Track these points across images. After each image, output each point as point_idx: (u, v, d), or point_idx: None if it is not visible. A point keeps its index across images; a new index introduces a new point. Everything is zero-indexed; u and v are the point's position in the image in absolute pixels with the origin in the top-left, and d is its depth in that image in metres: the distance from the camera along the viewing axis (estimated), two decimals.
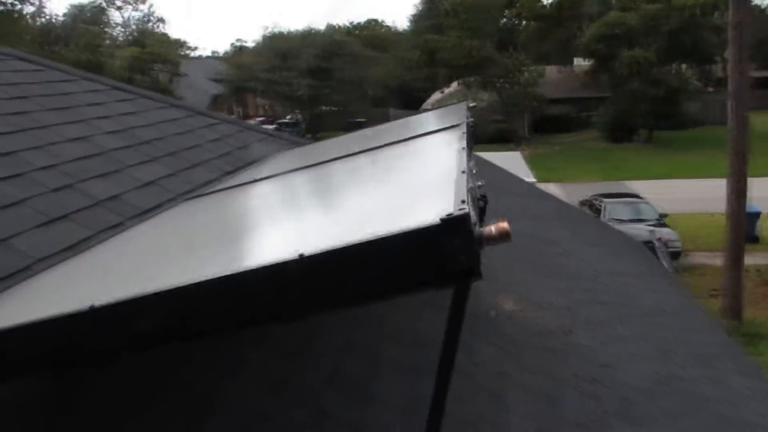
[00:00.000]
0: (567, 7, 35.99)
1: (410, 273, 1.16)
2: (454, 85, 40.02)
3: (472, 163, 1.91)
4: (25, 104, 3.67)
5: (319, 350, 2.80)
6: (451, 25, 36.53)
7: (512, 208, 8.20)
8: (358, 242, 1.17)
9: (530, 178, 15.68)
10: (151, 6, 69.28)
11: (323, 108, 46.16)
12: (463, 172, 1.51)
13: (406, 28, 55.56)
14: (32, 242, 2.41)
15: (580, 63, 39.54)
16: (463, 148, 1.99)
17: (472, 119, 4.01)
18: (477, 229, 1.14)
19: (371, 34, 52.42)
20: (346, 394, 2.61)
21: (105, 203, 2.95)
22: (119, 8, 44.22)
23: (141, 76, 35.22)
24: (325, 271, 1.19)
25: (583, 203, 19.61)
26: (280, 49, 45.40)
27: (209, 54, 53.31)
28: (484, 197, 1.87)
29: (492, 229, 1.17)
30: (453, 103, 4.06)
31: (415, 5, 51.94)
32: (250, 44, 56.40)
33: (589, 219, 10.82)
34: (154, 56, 38.28)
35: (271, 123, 41.57)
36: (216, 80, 48.16)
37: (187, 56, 44.55)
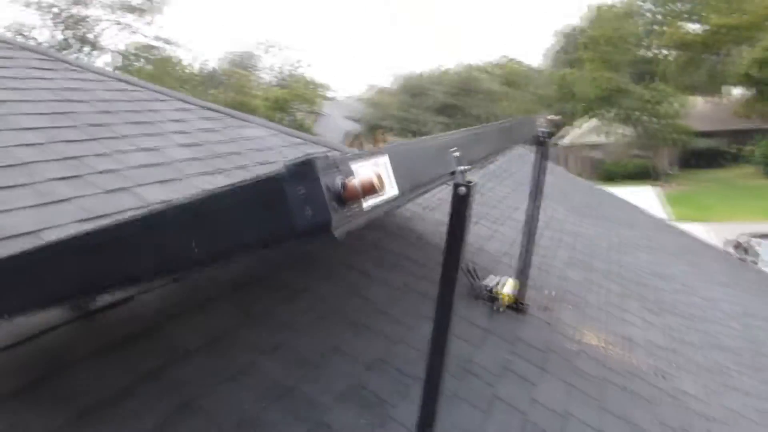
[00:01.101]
0: (722, 33, 33.19)
1: (264, 225, 1.01)
2: (590, 119, 38.38)
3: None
4: (108, 118, 3.93)
5: (339, 365, 2.62)
6: (586, 59, 35.23)
7: (628, 240, 7.51)
8: (208, 194, 1.04)
9: (662, 215, 14.41)
10: (297, 52, 74.39)
11: None
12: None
13: (540, 64, 54.65)
14: (62, 234, 2.49)
15: (732, 92, 36.21)
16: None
17: (544, 129, 3.70)
18: (335, 181, 0.96)
19: (504, 71, 52.00)
20: (359, 412, 2.39)
21: (153, 205, 3.01)
22: (269, 53, 47.73)
23: (282, 115, 37.66)
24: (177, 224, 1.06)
25: (731, 243, 17.67)
26: (413, 87, 46.38)
27: (347, 96, 55.81)
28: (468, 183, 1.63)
29: (355, 181, 0.96)
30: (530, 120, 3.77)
31: (552, 40, 50.75)
32: (385, 86, 58.40)
33: (723, 257, 9.63)
34: (297, 97, 40.77)
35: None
36: (351, 119, 50.17)
37: (327, 97, 46.94)
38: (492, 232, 5.34)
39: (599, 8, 37.70)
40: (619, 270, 6.12)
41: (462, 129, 2.02)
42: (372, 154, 1.20)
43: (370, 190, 0.99)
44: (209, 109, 4.95)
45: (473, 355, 3.20)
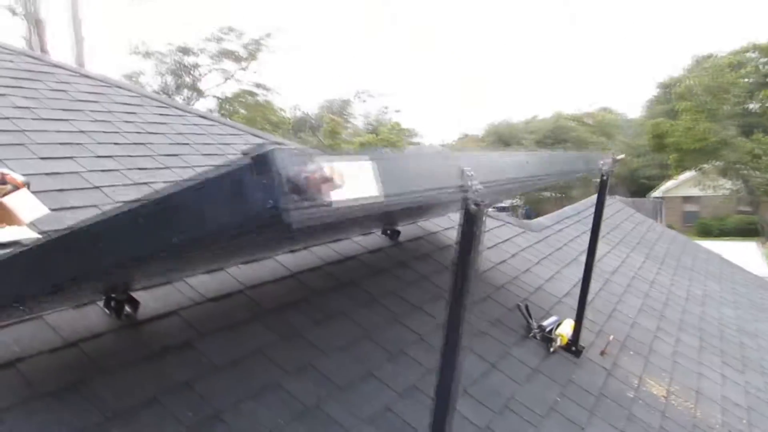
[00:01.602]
0: None
1: (228, 214, 1.05)
2: (687, 171, 36.55)
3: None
4: (181, 148, 4.21)
5: (369, 389, 2.61)
6: (684, 109, 33.81)
7: (713, 293, 7.04)
8: (180, 186, 1.10)
9: (763, 272, 13.37)
10: (388, 98, 76.34)
11: (543, 194, 45.47)
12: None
13: (638, 115, 53.16)
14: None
15: None
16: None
17: (606, 167, 3.60)
18: (296, 173, 0.99)
19: (598, 120, 50.89)
20: None
21: None
22: (362, 101, 49.27)
23: None
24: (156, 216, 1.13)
25: None
26: (503, 136, 46.31)
27: (436, 143, 56.53)
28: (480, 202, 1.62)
29: (315, 174, 1.00)
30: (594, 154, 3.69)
31: (653, 92, 49.30)
32: (475, 133, 58.59)
33: None
34: (383, 142, 41.64)
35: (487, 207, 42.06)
36: None
37: (412, 143, 47.67)
38: (554, 272, 5.18)
39: (698, 59, 36.38)
40: (698, 322, 5.73)
41: (488, 151, 2.02)
42: (352, 156, 1.23)
43: (328, 183, 1.02)
44: (277, 143, 5.17)
45: (517, 392, 3.09)
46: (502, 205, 46.78)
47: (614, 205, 9.50)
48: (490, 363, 3.24)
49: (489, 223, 5.66)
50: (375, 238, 4.27)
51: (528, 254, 5.39)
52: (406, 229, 4.66)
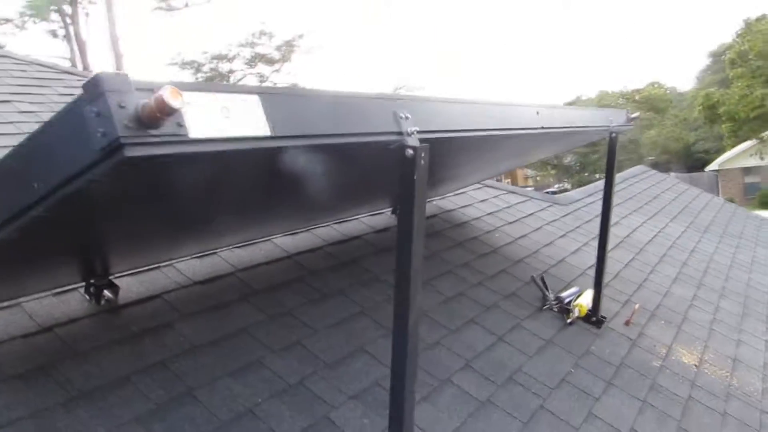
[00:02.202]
0: None
1: (75, 154, 0.98)
2: (746, 143, 34.77)
3: None
4: None
5: (358, 365, 2.52)
6: (737, 75, 32.20)
7: (763, 260, 6.62)
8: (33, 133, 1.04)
9: None
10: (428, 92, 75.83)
11: (594, 175, 44.28)
12: None
13: (690, 88, 51.09)
14: None
15: None
16: None
17: (616, 124, 3.39)
18: (134, 100, 0.91)
19: (646, 95, 49.14)
20: (365, 411, 2.27)
21: None
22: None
23: None
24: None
25: None
26: None
27: None
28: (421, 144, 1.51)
29: (151, 100, 0.91)
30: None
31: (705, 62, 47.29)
32: None
33: None
34: None
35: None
36: None
37: None
38: (580, 245, 4.95)
39: (750, 22, 34.55)
40: (744, 289, 5.38)
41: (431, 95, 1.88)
42: (233, 88, 1.15)
43: (163, 106, 0.93)
44: None
45: (525, 365, 2.94)
46: (553, 189, 45.89)
47: (653, 176, 9.09)
48: (497, 336, 3.10)
49: (511, 198, 5.49)
50: (384, 218, 4.17)
51: (553, 227, 5.18)
52: None
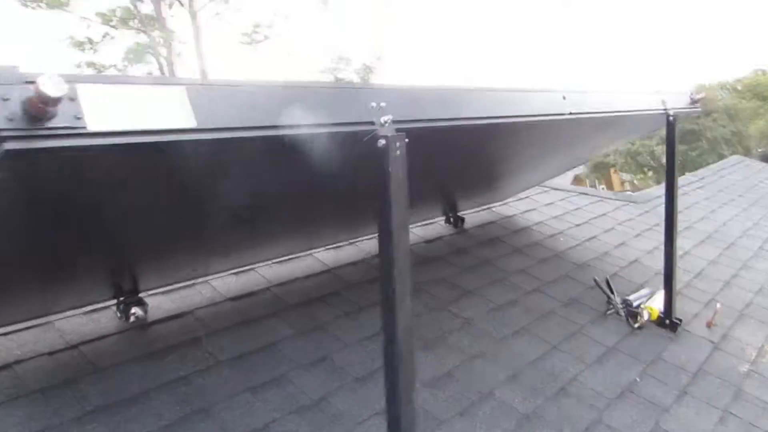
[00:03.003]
0: None
1: None
2: None
3: None
4: None
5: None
6: None
7: None
8: None
9: None
10: None
11: (696, 173, 41.52)
12: None
13: None
14: None
15: None
16: None
17: (673, 106, 3.10)
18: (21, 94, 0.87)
19: (750, 84, 45.73)
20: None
21: None
22: None
23: None
24: None
25: None
26: None
27: None
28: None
29: (32, 92, 0.87)
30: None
31: None
32: None
33: None
34: None
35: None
36: None
37: None
38: (657, 244, 4.56)
39: None
40: None
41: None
42: (156, 81, 1.09)
43: (48, 101, 0.88)
44: None
45: (580, 374, 2.70)
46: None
47: (750, 166, 8.33)
48: (551, 344, 2.87)
49: (580, 200, 5.19)
50: (435, 227, 4.04)
51: (626, 227, 4.81)
52: (476, 216, 4.37)
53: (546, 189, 5.29)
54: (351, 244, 3.50)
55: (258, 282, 2.90)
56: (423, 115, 1.57)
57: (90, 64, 20.44)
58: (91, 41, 20.26)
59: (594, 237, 4.45)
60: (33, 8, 17.72)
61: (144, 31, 20.94)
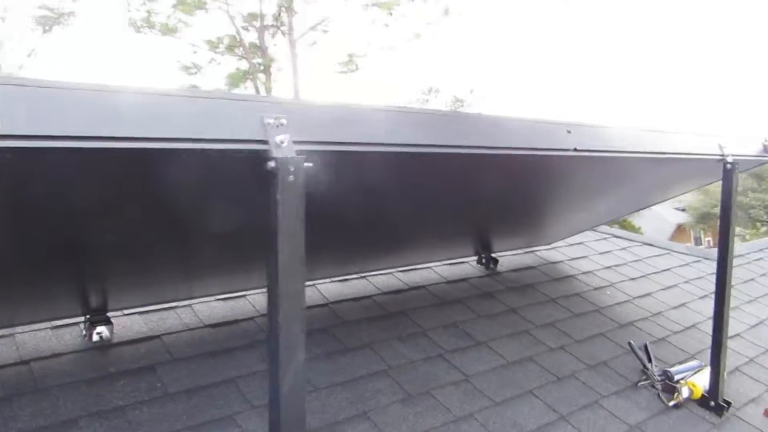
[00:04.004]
0: None
1: None
2: None
3: None
4: None
5: None
6: None
7: None
8: None
9: None
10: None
11: None
12: None
13: None
14: None
15: None
16: None
17: (730, 151, 2.68)
18: None
19: None
20: None
21: None
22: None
23: None
24: None
25: None
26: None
27: None
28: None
29: None
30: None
31: None
32: None
33: None
34: None
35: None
36: (680, 209, 45.35)
37: None
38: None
39: None
40: None
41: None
42: None
43: None
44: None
45: None
46: None
47: None
48: (559, 414, 2.50)
49: (643, 250, 4.70)
50: (464, 267, 3.74)
51: (692, 286, 4.27)
52: (514, 258, 4.03)
53: (605, 236, 4.84)
54: (362, 277, 3.28)
55: (244, 311, 2.74)
56: (346, 138, 1.35)
57: (193, 86, 21.63)
58: (196, 65, 21.45)
59: (649, 294, 3.97)
60: (145, 34, 19.03)
61: (245, 58, 21.92)
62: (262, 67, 22.36)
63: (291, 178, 1.22)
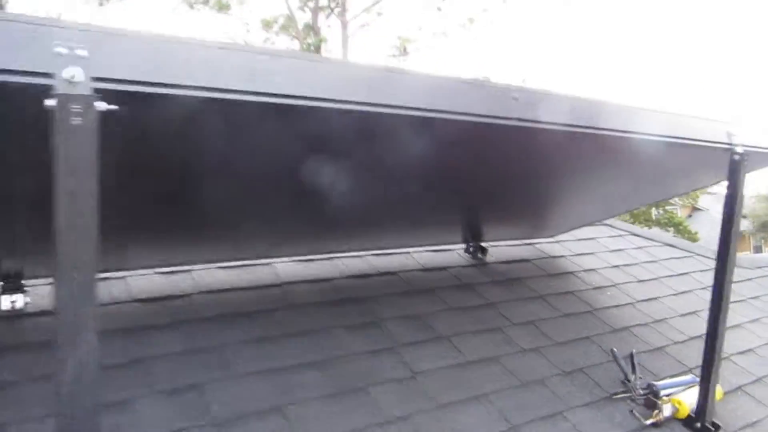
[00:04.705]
0: None
1: None
2: None
3: None
4: None
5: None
6: None
7: None
8: None
9: None
10: None
11: None
12: None
13: None
14: None
15: None
16: None
17: (740, 141, 2.32)
18: None
19: None
20: None
21: None
22: None
23: (658, 211, 34.62)
24: None
25: None
26: None
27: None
28: None
29: None
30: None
31: None
32: None
33: None
34: None
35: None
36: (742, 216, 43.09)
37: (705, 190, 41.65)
38: (744, 321, 3.59)
39: None
40: None
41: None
42: None
43: None
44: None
45: None
46: None
47: None
48: (511, 424, 2.21)
49: (662, 251, 4.30)
50: (449, 256, 3.46)
51: (709, 294, 3.85)
52: (510, 250, 3.72)
53: (622, 233, 4.45)
54: (330, 258, 3.05)
55: (184, 287, 2.56)
56: (167, 79, 1.11)
57: None
58: (247, 44, 21.56)
59: (656, 298, 3.59)
60: (199, 10, 19.22)
61: (297, 38, 21.91)
62: (312, 48, 22.30)
63: (76, 120, 1.00)
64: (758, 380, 3.02)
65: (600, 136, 1.93)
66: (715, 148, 2.32)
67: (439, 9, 21.20)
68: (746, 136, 2.39)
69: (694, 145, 2.27)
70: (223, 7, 19.90)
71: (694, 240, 31.10)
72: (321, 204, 2.37)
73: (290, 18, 22.76)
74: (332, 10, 22.36)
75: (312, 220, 2.59)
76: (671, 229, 32.81)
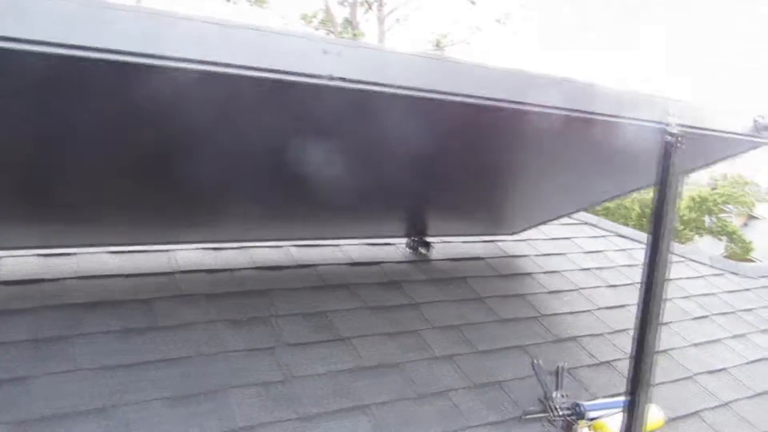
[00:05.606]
0: None
1: None
2: None
3: None
4: None
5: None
6: None
7: None
8: None
9: None
10: None
11: None
12: None
13: None
14: None
15: None
16: None
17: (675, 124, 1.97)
18: None
19: None
20: None
21: None
22: None
23: (711, 219, 33.09)
24: None
25: None
26: None
27: None
28: None
29: None
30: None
31: None
32: None
33: None
34: (725, 197, 35.44)
35: None
36: None
37: (762, 198, 39.63)
38: (729, 336, 3.17)
39: None
40: None
41: None
42: None
43: None
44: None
45: None
46: None
47: None
48: None
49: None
50: (384, 250, 3.18)
51: (693, 305, 3.44)
52: (463, 246, 3.41)
53: (605, 233, 4.06)
54: (242, 248, 2.82)
55: (107, 269, 2.40)
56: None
57: None
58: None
59: (624, 306, 3.21)
60: (235, 3, 19.28)
61: (333, 33, 21.81)
62: None
63: None
64: (723, 406, 2.63)
65: (530, 112, 1.64)
66: (647, 127, 1.97)
67: (473, 3, 20.65)
68: (690, 116, 2.02)
69: (625, 123, 1.94)
70: (259, 1, 19.92)
71: (748, 250, 29.55)
72: (236, 187, 2.15)
73: (327, 12, 22.72)
74: (370, 5, 22.15)
75: (220, 205, 2.36)
76: (724, 237, 31.30)
